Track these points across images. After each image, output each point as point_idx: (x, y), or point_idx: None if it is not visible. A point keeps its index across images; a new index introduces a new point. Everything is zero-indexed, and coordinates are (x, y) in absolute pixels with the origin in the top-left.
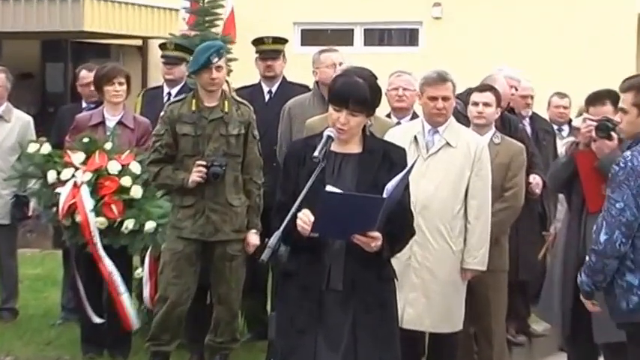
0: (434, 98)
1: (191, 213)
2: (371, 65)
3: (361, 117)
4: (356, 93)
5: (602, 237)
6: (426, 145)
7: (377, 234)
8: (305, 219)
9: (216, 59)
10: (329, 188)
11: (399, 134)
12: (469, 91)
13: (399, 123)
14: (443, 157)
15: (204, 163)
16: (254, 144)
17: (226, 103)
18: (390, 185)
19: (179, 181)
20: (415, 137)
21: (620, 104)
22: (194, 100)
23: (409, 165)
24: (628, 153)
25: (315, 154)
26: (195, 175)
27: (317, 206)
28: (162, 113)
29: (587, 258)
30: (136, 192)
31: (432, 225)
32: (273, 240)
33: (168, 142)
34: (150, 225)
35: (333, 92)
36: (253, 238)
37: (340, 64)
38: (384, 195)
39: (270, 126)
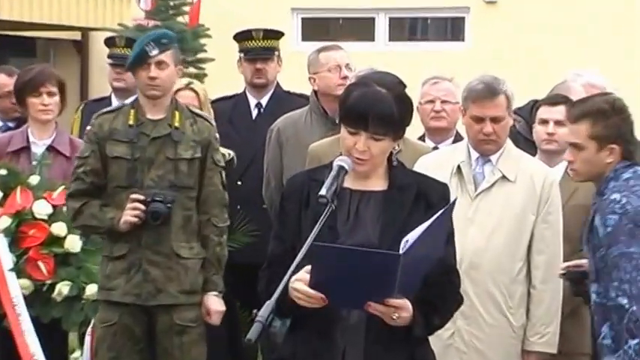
0: (479, 119)
1: (123, 267)
2: (398, 68)
3: (385, 141)
4: (377, 108)
5: None
6: (473, 180)
7: (400, 302)
8: (299, 287)
9: (155, 51)
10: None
11: (433, 164)
12: (534, 105)
13: (436, 148)
14: (497, 197)
15: (141, 197)
16: (215, 172)
17: (177, 115)
18: (411, 236)
19: (107, 222)
20: (459, 168)
21: (571, 139)
22: (132, 111)
23: (445, 207)
24: (616, 196)
25: (322, 192)
26: (129, 215)
27: (311, 265)
28: (87, 128)
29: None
30: (73, 243)
31: (482, 290)
32: (263, 312)
33: (94, 167)
34: (92, 290)
35: (346, 108)
36: (214, 302)
37: (347, 66)
38: (402, 249)
39: (260, 152)
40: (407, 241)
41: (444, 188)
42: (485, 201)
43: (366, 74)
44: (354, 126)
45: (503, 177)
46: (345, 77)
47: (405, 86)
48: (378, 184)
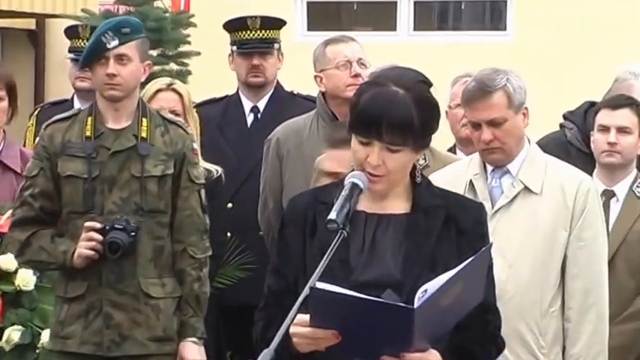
0: (476, 125)
1: (81, 310)
2: (424, 64)
3: (404, 153)
4: (393, 112)
5: None
6: (489, 195)
7: (420, 356)
8: (302, 331)
9: (113, 42)
10: (320, 285)
11: (444, 180)
12: (590, 108)
13: None
14: (520, 213)
15: (97, 226)
16: (191, 192)
17: (144, 123)
18: (431, 286)
19: (59, 256)
20: (471, 183)
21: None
22: (89, 119)
23: (481, 250)
24: None
25: (332, 215)
26: (83, 247)
27: (310, 311)
28: (36, 140)
29: None
30: (26, 280)
31: (507, 328)
32: None
33: (44, 189)
34: (49, 335)
35: (357, 113)
36: (191, 351)
37: (360, 61)
38: (418, 300)
39: (256, 167)
40: (425, 291)
41: (479, 209)
42: (504, 220)
43: (382, 71)
44: (366, 135)
45: (526, 189)
46: (357, 75)
47: (430, 85)
48: (398, 205)
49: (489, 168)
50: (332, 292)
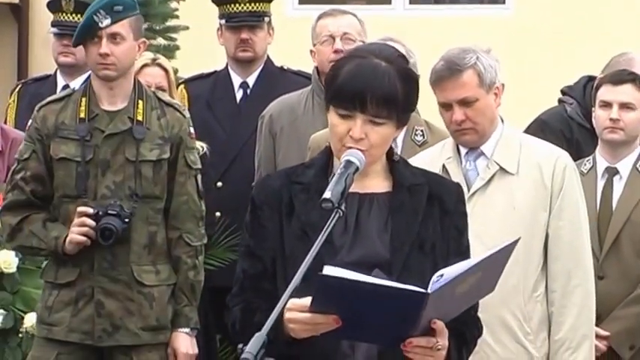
0: (447, 106)
1: (70, 297)
2: (421, 39)
3: (387, 127)
4: (378, 84)
5: None
6: (465, 179)
7: (439, 327)
8: (300, 316)
9: (106, 21)
10: (328, 270)
11: (418, 164)
12: (588, 82)
13: None
14: (496, 196)
15: (89, 211)
16: (188, 178)
17: (140, 105)
18: (448, 272)
19: (51, 241)
20: (444, 167)
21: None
22: (84, 100)
23: (510, 243)
24: None
25: (327, 195)
26: (75, 233)
27: (313, 294)
28: (29, 122)
29: None
30: (8, 262)
31: (490, 316)
32: (252, 346)
33: (36, 172)
34: (32, 320)
35: (338, 86)
36: (184, 343)
37: (345, 37)
38: (432, 284)
39: (246, 144)
40: (441, 276)
41: (457, 189)
42: (481, 203)
43: (361, 45)
44: (349, 107)
45: (502, 170)
46: (337, 51)
47: (408, 62)
48: (379, 184)
49: (463, 151)
50: (342, 278)
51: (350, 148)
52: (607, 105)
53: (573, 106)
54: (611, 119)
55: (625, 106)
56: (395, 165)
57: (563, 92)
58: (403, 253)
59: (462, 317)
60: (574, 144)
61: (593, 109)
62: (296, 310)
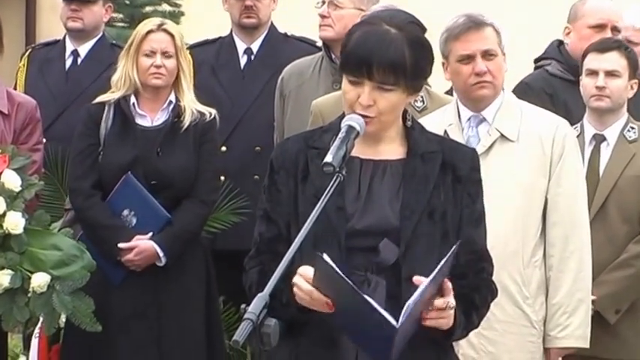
0: (468, 57)
1: None
2: (423, 6)
3: (396, 93)
4: (384, 50)
5: None
6: (466, 145)
7: (448, 286)
8: (303, 285)
9: None
10: (325, 257)
11: None
12: (560, 44)
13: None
14: (497, 162)
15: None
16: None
17: None
18: (412, 300)
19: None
20: (445, 133)
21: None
22: None
23: (448, 254)
24: None
25: (328, 158)
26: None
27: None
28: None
29: None
30: (14, 223)
31: None
32: (254, 307)
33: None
34: (40, 280)
35: (347, 53)
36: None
37: (331, 2)
38: (402, 317)
39: (250, 109)
40: (408, 305)
41: (472, 154)
42: (482, 170)
43: (374, 12)
44: (357, 74)
45: (503, 137)
46: (322, 16)
47: (423, 29)
48: (393, 151)
49: (464, 117)
50: (333, 268)
51: (360, 114)
52: (593, 73)
53: (553, 64)
54: (597, 87)
55: (611, 73)
56: (410, 131)
57: (537, 60)
58: (412, 221)
59: (472, 282)
60: (561, 103)
61: (581, 78)
62: (303, 278)
